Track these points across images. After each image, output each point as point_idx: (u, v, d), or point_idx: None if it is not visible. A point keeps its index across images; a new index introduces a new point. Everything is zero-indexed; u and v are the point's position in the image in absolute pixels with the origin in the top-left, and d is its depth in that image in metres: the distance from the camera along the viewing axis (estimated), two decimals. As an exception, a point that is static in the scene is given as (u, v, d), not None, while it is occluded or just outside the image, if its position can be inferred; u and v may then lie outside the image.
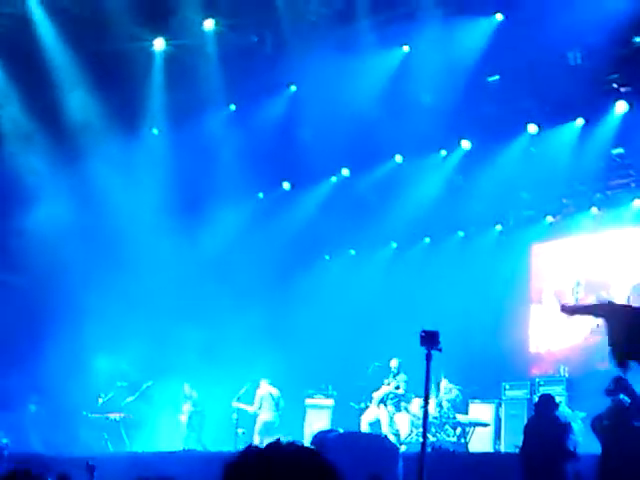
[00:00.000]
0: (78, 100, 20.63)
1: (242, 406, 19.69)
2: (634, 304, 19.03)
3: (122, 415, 20.16)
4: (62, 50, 20.18)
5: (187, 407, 20.34)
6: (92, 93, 20.54)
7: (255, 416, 19.79)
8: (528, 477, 12.56)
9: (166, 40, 20.69)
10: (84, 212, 21.03)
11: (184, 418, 20.28)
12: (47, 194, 20.76)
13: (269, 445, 2.43)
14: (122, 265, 20.65)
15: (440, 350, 9.49)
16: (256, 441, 18.47)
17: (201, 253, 21.23)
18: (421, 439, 17.68)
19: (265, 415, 19.72)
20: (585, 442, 13.73)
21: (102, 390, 20.29)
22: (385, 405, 18.76)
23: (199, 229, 21.53)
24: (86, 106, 20.69)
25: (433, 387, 18.74)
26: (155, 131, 22.41)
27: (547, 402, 13.22)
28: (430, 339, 9.47)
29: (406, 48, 19.93)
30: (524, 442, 13.04)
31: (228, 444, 18.80)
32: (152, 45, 20.74)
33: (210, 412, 20.52)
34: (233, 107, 22.18)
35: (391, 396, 18.80)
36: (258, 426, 19.63)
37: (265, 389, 19.87)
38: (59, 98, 20.61)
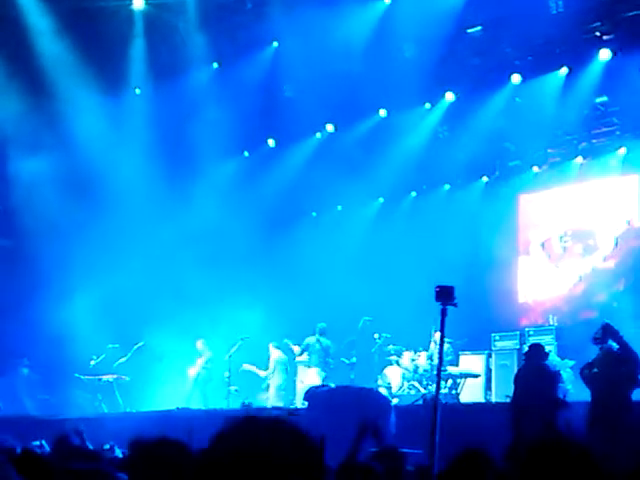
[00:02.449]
0: (58, 56, 20.50)
1: (253, 369, 19.82)
2: (620, 251, 19.18)
3: (115, 376, 20.22)
4: (41, 8, 20.03)
5: (200, 362, 20.39)
6: (72, 51, 20.40)
7: (265, 379, 19.93)
8: (519, 426, 12.69)
9: (145, -1, 20.54)
10: (67, 173, 20.98)
11: (193, 372, 20.32)
12: (28, 152, 20.76)
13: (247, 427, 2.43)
14: (108, 225, 20.61)
15: (455, 305, 9.45)
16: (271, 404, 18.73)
17: (187, 211, 21.19)
18: (412, 392, 17.95)
19: (277, 379, 19.83)
20: (575, 390, 13.87)
21: (94, 352, 20.32)
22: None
23: (184, 188, 21.48)
24: (67, 63, 20.56)
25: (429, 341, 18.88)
26: (137, 90, 22.26)
27: (536, 352, 13.33)
28: (445, 294, 9.44)
29: (387, 0, 19.81)
30: (514, 392, 13.17)
31: (221, 402, 18.94)
32: (131, 3, 20.58)
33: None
34: (216, 65, 22.04)
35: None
36: (272, 391, 19.72)
37: (277, 354, 19.95)
38: (39, 52, 20.52)
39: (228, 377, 19.15)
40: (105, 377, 20.15)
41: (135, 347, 20.39)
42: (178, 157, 21.46)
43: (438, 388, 10.01)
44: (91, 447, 11.32)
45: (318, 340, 19.37)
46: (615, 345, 12.63)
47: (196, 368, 20.33)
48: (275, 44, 21.46)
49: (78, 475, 5.40)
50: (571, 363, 16.06)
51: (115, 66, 21.36)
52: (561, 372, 13.53)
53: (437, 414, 9.45)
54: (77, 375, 20.36)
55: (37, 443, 14.25)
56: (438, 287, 9.41)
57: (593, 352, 12.95)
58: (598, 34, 18.48)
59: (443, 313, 9.38)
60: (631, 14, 17.48)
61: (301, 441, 2.40)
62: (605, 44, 18.48)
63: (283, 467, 2.32)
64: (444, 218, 21.45)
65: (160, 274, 20.53)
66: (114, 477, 5.74)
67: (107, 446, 12.55)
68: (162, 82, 21.40)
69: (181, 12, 20.79)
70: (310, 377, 19.15)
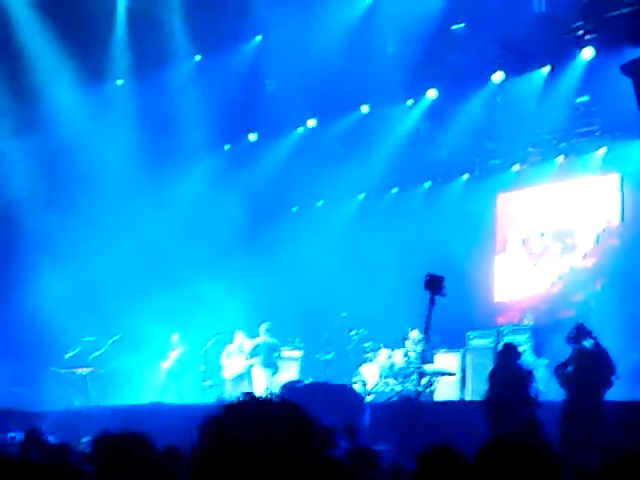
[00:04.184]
0: (39, 45, 20.41)
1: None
2: (598, 251, 19.24)
3: (90, 370, 20.12)
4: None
5: (173, 356, 20.34)
6: (54, 41, 20.32)
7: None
8: (492, 424, 12.71)
9: (128, -10, 20.47)
10: (45, 160, 20.89)
11: (166, 365, 20.26)
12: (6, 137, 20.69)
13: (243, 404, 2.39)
14: (88, 218, 20.53)
15: (444, 295, 9.31)
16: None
17: (168, 204, 21.12)
18: (388, 389, 17.94)
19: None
20: (548, 389, 13.89)
21: (69, 344, 20.22)
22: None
23: (165, 179, 21.38)
24: (48, 52, 20.48)
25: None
26: (120, 82, 22.16)
27: (509, 351, 13.36)
28: (434, 284, 9.31)
29: (371, -4, 19.82)
30: (488, 391, 13.19)
31: (196, 397, 18.90)
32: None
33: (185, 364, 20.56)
34: (198, 58, 21.97)
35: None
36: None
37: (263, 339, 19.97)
38: (20, 41, 20.44)
39: (203, 372, 19.10)
40: (79, 370, 20.04)
41: (111, 340, 20.28)
42: (159, 148, 21.35)
43: (419, 383, 9.98)
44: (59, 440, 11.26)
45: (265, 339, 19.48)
46: (589, 345, 12.67)
47: (169, 362, 20.28)
48: (258, 38, 21.42)
49: (42, 468, 5.36)
50: (545, 362, 16.06)
51: (97, 57, 21.29)
52: (534, 371, 13.53)
53: (412, 411, 9.48)
54: (53, 368, 20.24)
55: (12, 435, 14.22)
56: (428, 275, 9.27)
57: (568, 351, 13.00)
58: (580, 33, 18.51)
59: (431, 302, 9.24)
60: (613, 14, 17.49)
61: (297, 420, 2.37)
62: (587, 43, 18.51)
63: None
64: (424, 215, 21.44)
65: (139, 266, 20.44)
66: (80, 470, 5.71)
67: (85, 439, 12.49)
68: (145, 73, 21.34)
69: (164, 4, 20.72)
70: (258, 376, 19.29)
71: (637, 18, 16.84)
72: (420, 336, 18.64)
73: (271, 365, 19.37)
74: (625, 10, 17.20)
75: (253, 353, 19.45)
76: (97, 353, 20.19)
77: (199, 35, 21.17)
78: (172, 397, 19.62)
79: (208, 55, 21.74)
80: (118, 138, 21.34)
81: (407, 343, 18.50)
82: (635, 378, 13.46)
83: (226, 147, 23.56)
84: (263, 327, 19.51)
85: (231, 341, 19.90)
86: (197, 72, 21.91)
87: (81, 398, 19.84)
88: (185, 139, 21.64)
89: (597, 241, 19.68)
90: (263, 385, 18.70)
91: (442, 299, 18.62)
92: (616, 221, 19.71)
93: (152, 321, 19.87)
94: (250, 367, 19.57)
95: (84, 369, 20.03)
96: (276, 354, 19.56)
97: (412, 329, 18.51)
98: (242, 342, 19.78)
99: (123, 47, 21.42)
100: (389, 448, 11.53)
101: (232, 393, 18.74)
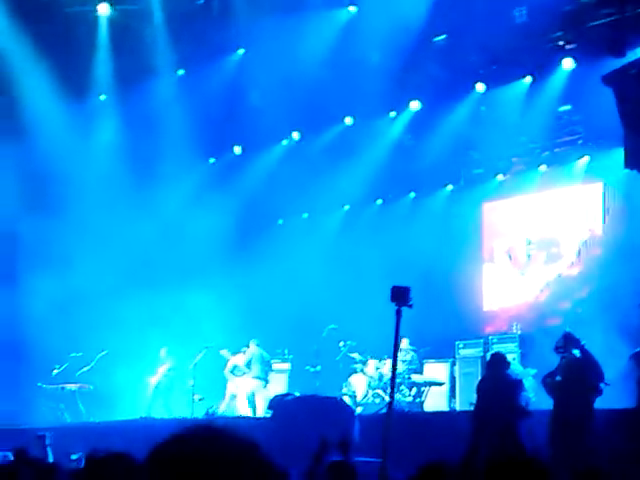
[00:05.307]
0: (23, 61, 20.38)
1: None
2: (584, 259, 19.34)
3: (78, 385, 20.06)
4: (5, 11, 19.90)
5: (161, 370, 20.28)
6: (37, 56, 20.29)
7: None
8: (481, 434, 12.73)
9: (111, 5, 20.43)
10: (26, 173, 20.85)
11: (154, 380, 20.21)
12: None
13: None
14: (74, 231, 20.49)
15: (411, 307, 9.35)
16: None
17: (152, 217, 21.08)
18: (377, 400, 17.96)
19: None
20: (537, 398, 13.94)
21: (56, 360, 20.14)
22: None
23: (150, 195, 21.37)
24: (31, 68, 20.45)
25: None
26: (103, 97, 22.14)
27: (498, 360, 13.39)
28: (400, 295, 9.34)
29: (352, 8, 19.86)
30: (477, 401, 13.22)
31: (185, 411, 18.85)
32: (96, 10, 20.48)
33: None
34: (181, 72, 21.97)
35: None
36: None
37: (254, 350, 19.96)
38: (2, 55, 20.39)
39: (192, 386, 19.05)
40: (68, 386, 19.97)
41: (98, 356, 20.22)
42: (143, 162, 21.34)
43: (392, 393, 9.99)
44: (51, 458, 11.25)
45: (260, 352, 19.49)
46: (577, 353, 12.73)
47: (157, 376, 20.24)
48: (241, 51, 21.43)
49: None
50: (533, 372, 16.13)
51: (80, 72, 21.24)
52: (523, 381, 13.58)
53: (391, 422, 9.51)
54: (40, 384, 20.15)
55: (2, 454, 14.13)
56: (394, 287, 9.32)
57: (557, 360, 13.04)
58: (561, 43, 18.62)
59: (398, 314, 9.30)
60: (594, 24, 17.61)
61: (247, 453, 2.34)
62: (568, 53, 18.63)
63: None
64: (410, 226, 21.51)
65: (125, 278, 20.39)
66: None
67: (75, 456, 12.45)
68: (128, 88, 21.31)
69: (147, 18, 20.70)
70: (247, 387, 19.27)
71: (617, 28, 16.97)
72: (410, 346, 18.72)
73: (264, 377, 19.36)
74: (605, 20, 17.32)
75: (248, 364, 19.43)
76: (85, 369, 20.13)
77: (182, 49, 21.16)
78: (161, 412, 19.57)
79: (191, 69, 21.72)
80: (103, 151, 21.34)
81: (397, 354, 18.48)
82: (623, 385, 13.50)
83: (211, 160, 23.56)
84: (253, 342, 19.51)
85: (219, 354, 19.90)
86: (181, 86, 21.89)
87: (71, 414, 19.76)
88: (170, 152, 21.62)
89: (581, 249, 19.80)
90: (261, 400, 18.71)
91: (429, 309, 18.71)
92: (600, 229, 19.83)
93: (139, 334, 19.83)
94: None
95: (73, 385, 19.96)
96: (268, 367, 19.57)
97: (401, 338, 18.52)
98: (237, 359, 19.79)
99: (106, 62, 21.38)
100: (379, 460, 11.52)
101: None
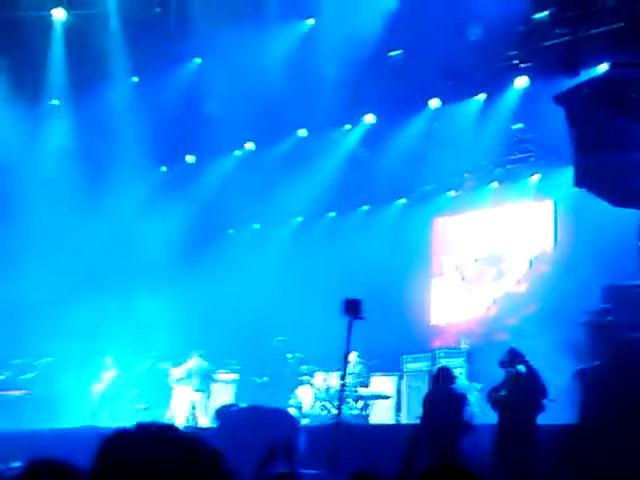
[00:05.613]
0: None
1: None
2: (531, 276, 19.50)
3: (23, 392, 19.77)
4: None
5: (106, 378, 20.06)
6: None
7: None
8: (426, 448, 12.74)
9: (66, 10, 20.30)
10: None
11: (99, 387, 19.98)
12: None
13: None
14: (19, 235, 20.25)
15: (362, 319, 9.37)
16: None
17: (103, 225, 20.89)
18: (324, 412, 17.92)
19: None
20: (482, 413, 13.99)
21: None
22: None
23: (101, 201, 21.17)
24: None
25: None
26: (56, 102, 21.95)
27: (444, 375, 13.44)
28: (353, 308, 9.35)
29: (311, 21, 19.92)
30: (422, 414, 13.24)
31: (130, 420, 18.64)
32: (52, 14, 20.34)
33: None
34: (136, 79, 21.85)
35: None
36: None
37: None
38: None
39: (137, 395, 18.88)
40: (11, 393, 19.68)
41: (44, 362, 19.97)
42: (95, 168, 21.16)
43: (340, 406, 9.98)
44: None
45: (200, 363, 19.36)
46: (522, 369, 12.81)
47: (103, 384, 20.03)
48: (198, 60, 21.38)
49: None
50: (479, 386, 16.20)
51: (33, 76, 21.06)
52: (468, 395, 13.64)
53: (338, 434, 9.49)
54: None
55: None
56: (346, 300, 9.34)
57: (503, 375, 13.11)
58: (516, 62, 18.82)
59: (350, 326, 9.31)
60: (547, 44, 17.83)
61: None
62: (522, 72, 18.83)
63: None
64: (361, 239, 21.55)
65: (71, 286, 20.16)
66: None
67: (15, 464, 12.24)
68: (82, 93, 21.14)
69: (103, 24, 20.59)
70: (188, 398, 19.13)
71: (571, 48, 17.17)
72: (358, 359, 18.72)
73: (205, 389, 19.22)
74: (559, 40, 17.53)
75: (187, 377, 19.26)
76: (29, 375, 19.86)
77: (138, 56, 21.06)
78: (106, 420, 19.34)
79: (147, 76, 21.61)
80: (53, 156, 21.14)
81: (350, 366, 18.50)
82: (566, 401, 13.61)
83: (163, 168, 23.43)
84: (195, 354, 19.35)
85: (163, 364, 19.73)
86: (135, 93, 21.76)
87: (13, 421, 19.45)
88: (122, 159, 21.46)
89: (530, 266, 19.96)
90: (202, 412, 18.60)
91: (378, 322, 18.71)
92: (549, 247, 20.01)
93: (86, 341, 19.62)
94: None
95: (15, 392, 19.68)
96: (209, 379, 19.41)
97: (349, 352, 18.51)
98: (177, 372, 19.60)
99: (60, 66, 21.22)
100: (324, 472, 11.49)
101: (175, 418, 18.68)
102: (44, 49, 20.85)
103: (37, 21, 20.43)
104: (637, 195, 14.29)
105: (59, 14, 20.37)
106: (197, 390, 19.16)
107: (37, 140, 21.35)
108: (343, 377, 9.87)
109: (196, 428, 17.64)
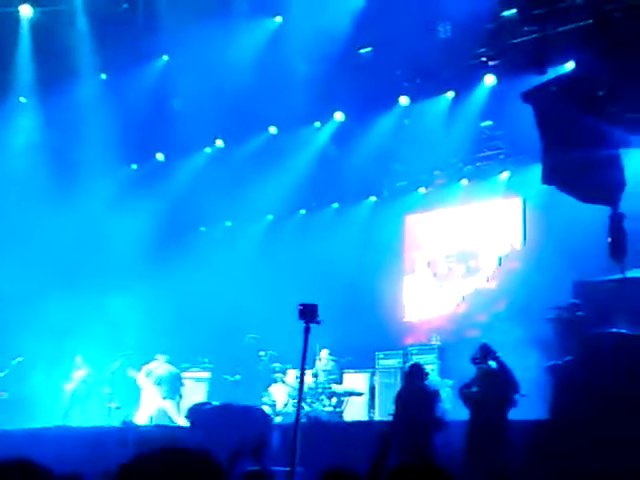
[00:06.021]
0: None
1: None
2: (501, 273, 19.63)
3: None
4: None
5: (77, 377, 19.93)
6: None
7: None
8: (399, 445, 12.79)
9: (33, 6, 20.14)
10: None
11: (70, 387, 19.86)
12: None
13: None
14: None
15: (319, 323, 9.51)
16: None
17: (73, 223, 20.76)
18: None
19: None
20: (453, 409, 14.07)
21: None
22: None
23: (70, 199, 21.01)
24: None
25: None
26: (23, 99, 21.78)
27: (416, 371, 13.50)
28: (308, 312, 9.46)
29: (279, 18, 19.90)
30: (395, 411, 13.30)
31: (101, 419, 18.57)
32: (19, 11, 20.17)
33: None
34: (104, 76, 21.72)
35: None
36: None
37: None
38: None
39: (109, 394, 18.78)
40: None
41: (14, 362, 19.83)
42: (64, 165, 21.04)
43: (299, 409, 10.03)
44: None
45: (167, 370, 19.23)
46: (493, 365, 12.89)
47: (73, 384, 19.92)
48: (165, 57, 21.29)
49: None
50: (450, 382, 16.29)
51: (0, 73, 20.89)
52: (440, 391, 13.71)
53: (298, 431, 9.59)
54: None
55: None
56: (301, 305, 9.47)
57: (474, 371, 13.18)
58: (484, 60, 18.89)
59: (306, 331, 9.44)
60: (515, 41, 17.92)
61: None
62: (491, 70, 18.92)
63: None
64: (332, 236, 21.59)
65: (40, 284, 20.03)
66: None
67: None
68: (49, 90, 20.99)
69: (70, 21, 20.44)
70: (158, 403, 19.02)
71: (538, 46, 17.28)
72: (330, 356, 18.77)
73: (175, 394, 19.11)
74: (527, 38, 17.63)
75: (157, 384, 19.13)
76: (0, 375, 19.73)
77: (105, 53, 20.92)
78: (77, 420, 19.24)
79: (114, 73, 21.47)
80: (21, 153, 20.98)
81: (317, 364, 18.56)
82: (537, 397, 13.71)
83: (133, 166, 23.32)
84: (162, 358, 19.20)
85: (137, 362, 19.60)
86: (103, 90, 21.63)
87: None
88: (91, 156, 21.34)
89: (500, 263, 20.09)
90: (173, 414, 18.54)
91: (350, 319, 18.77)
92: (518, 244, 20.14)
93: (56, 340, 19.49)
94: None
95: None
96: (178, 383, 19.31)
97: (322, 348, 18.60)
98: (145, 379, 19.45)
99: (27, 63, 21.06)
100: (298, 470, 11.52)
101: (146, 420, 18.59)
102: (11, 46, 20.67)
103: (4, 18, 20.24)
104: (605, 191, 14.41)
105: (26, 11, 20.18)
106: (165, 398, 19.02)
107: (5, 137, 21.18)
108: (302, 378, 9.98)
109: (167, 427, 17.61)
